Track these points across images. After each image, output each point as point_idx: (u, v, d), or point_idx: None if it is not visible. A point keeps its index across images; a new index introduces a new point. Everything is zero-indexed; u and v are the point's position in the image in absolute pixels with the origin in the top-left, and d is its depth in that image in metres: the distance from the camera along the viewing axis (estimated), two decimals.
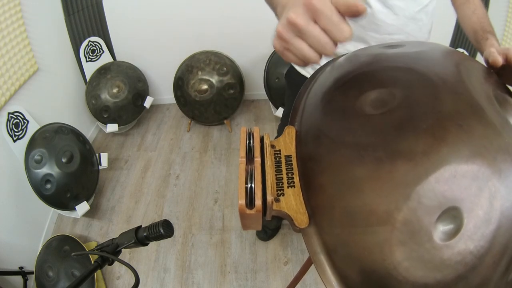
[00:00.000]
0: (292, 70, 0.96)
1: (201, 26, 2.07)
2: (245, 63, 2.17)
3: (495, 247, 0.27)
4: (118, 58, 2.19)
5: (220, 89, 2.04)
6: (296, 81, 0.94)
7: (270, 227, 1.56)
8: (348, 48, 0.74)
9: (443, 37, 2.11)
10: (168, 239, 0.58)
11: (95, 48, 2.06)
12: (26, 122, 1.50)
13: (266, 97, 2.18)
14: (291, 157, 0.34)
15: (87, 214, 1.65)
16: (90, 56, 2.04)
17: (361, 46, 0.72)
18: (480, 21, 0.62)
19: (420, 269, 0.26)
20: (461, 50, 2.10)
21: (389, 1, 0.67)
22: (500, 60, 0.41)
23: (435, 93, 0.31)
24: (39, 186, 1.44)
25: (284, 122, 1.12)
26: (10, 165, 1.43)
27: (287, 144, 0.35)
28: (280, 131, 1.17)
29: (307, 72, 0.89)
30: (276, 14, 0.47)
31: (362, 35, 0.73)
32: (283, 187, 0.31)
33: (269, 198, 0.29)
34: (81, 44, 2.00)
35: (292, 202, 0.30)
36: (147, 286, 1.44)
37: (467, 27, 0.66)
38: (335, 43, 0.31)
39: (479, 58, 0.50)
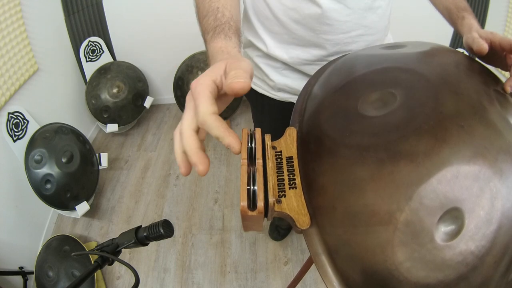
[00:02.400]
0: (250, 90, 0.86)
1: None
2: None
3: (496, 247, 0.27)
4: (118, 58, 2.19)
5: None
6: (257, 99, 0.87)
7: (283, 226, 1.56)
8: (301, 56, 0.67)
9: (443, 37, 2.11)
10: (168, 239, 0.58)
11: (95, 48, 2.06)
12: (26, 122, 1.50)
13: None
14: (293, 158, 0.34)
15: (87, 214, 1.65)
16: (90, 56, 2.04)
17: (315, 51, 0.66)
18: None
19: (421, 269, 0.26)
20: (461, 50, 2.10)
21: None
22: (486, 47, 0.38)
23: (436, 94, 0.31)
24: (39, 186, 1.44)
25: None
26: (10, 165, 1.43)
27: (288, 145, 0.35)
28: None
29: (263, 90, 0.82)
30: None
31: (314, 40, 0.64)
32: (284, 188, 0.31)
33: (271, 199, 0.29)
34: (81, 44, 2.00)
35: (294, 203, 0.30)
36: (147, 286, 1.44)
37: (439, 6, 0.57)
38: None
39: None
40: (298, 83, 0.75)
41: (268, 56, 0.74)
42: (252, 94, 0.86)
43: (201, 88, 0.29)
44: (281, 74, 0.75)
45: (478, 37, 0.40)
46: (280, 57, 0.71)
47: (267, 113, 0.89)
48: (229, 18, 0.42)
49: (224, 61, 0.31)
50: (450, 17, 0.54)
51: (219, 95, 0.31)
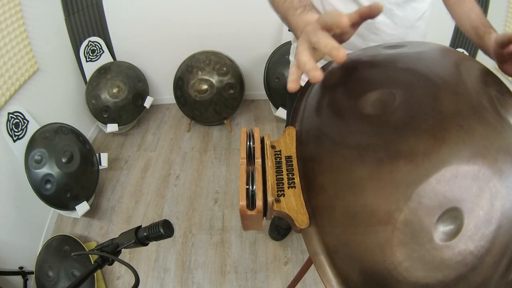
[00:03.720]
0: None
1: (201, 26, 2.07)
2: (245, 63, 2.17)
3: (496, 247, 0.27)
4: (118, 58, 2.19)
5: (220, 89, 2.04)
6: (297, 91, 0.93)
7: (283, 226, 1.56)
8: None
9: (443, 37, 2.11)
10: (168, 239, 0.58)
11: (95, 48, 2.06)
12: (26, 122, 1.50)
13: (266, 97, 2.18)
14: (292, 158, 0.34)
15: (87, 214, 1.65)
16: (90, 56, 2.04)
17: None
18: (479, 17, 0.62)
19: (420, 269, 0.26)
20: (461, 50, 2.10)
21: (391, 11, 0.67)
22: None
23: (435, 94, 0.31)
24: (39, 186, 1.44)
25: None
26: (10, 165, 1.43)
27: (288, 144, 0.35)
28: None
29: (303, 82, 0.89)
30: (296, 35, 0.49)
31: (361, 45, 0.72)
32: (283, 187, 0.31)
33: (270, 199, 0.29)
34: (81, 44, 2.00)
35: (293, 203, 0.30)
36: (147, 286, 1.44)
37: (466, 24, 0.65)
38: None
39: (479, 58, 0.50)
40: None
41: None
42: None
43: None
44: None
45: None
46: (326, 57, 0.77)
47: None
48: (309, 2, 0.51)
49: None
50: (477, 33, 0.60)
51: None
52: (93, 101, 2.00)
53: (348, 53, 0.52)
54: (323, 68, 0.49)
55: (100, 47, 2.08)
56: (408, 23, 0.70)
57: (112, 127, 2.02)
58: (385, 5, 0.66)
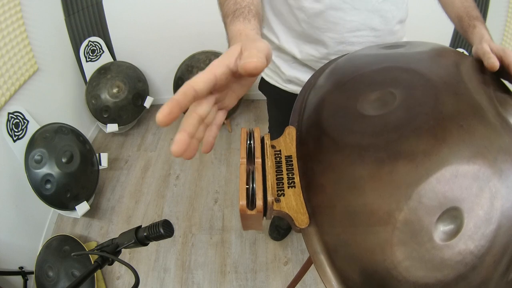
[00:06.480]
0: (263, 82, 0.91)
1: (201, 26, 2.07)
2: None
3: (496, 247, 0.27)
4: (118, 58, 2.19)
5: None
6: (270, 90, 0.90)
7: (283, 227, 1.56)
8: (310, 52, 0.71)
9: (443, 37, 2.11)
10: (168, 239, 0.58)
11: (95, 48, 2.06)
12: (26, 122, 1.50)
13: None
14: (292, 157, 0.34)
15: (87, 214, 1.65)
16: (90, 56, 2.04)
17: (320, 48, 0.69)
18: (463, 5, 0.53)
19: (420, 269, 0.26)
20: (461, 50, 2.10)
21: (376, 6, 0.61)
22: (497, 65, 0.37)
23: (435, 94, 0.31)
24: (39, 186, 1.44)
25: (271, 131, 1.07)
26: (10, 165, 1.43)
27: (288, 144, 0.35)
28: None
29: (275, 81, 0.86)
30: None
31: (319, 37, 0.67)
32: (283, 187, 0.31)
33: (270, 198, 0.29)
34: (81, 44, 2.00)
35: (293, 202, 0.30)
36: (147, 286, 1.44)
37: (450, 12, 0.56)
38: None
39: None
40: (307, 76, 0.77)
41: (280, 49, 0.77)
42: (266, 86, 0.90)
43: (210, 67, 0.28)
44: (291, 66, 0.78)
45: (489, 51, 0.39)
46: (290, 51, 0.74)
47: (279, 106, 0.92)
48: (249, 3, 0.42)
49: (240, 43, 0.30)
50: (461, 25, 0.52)
51: (238, 78, 0.30)
52: (93, 101, 2.00)
53: (347, 53, 0.52)
54: (323, 67, 0.49)
55: (100, 47, 2.08)
56: (371, 6, 0.63)
57: (112, 127, 2.02)
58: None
